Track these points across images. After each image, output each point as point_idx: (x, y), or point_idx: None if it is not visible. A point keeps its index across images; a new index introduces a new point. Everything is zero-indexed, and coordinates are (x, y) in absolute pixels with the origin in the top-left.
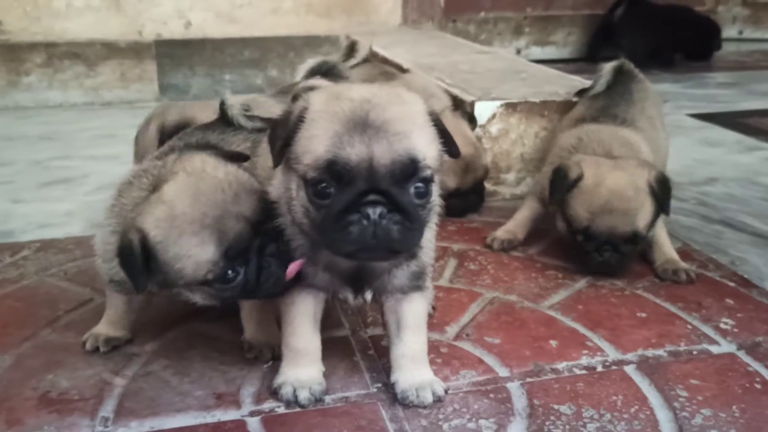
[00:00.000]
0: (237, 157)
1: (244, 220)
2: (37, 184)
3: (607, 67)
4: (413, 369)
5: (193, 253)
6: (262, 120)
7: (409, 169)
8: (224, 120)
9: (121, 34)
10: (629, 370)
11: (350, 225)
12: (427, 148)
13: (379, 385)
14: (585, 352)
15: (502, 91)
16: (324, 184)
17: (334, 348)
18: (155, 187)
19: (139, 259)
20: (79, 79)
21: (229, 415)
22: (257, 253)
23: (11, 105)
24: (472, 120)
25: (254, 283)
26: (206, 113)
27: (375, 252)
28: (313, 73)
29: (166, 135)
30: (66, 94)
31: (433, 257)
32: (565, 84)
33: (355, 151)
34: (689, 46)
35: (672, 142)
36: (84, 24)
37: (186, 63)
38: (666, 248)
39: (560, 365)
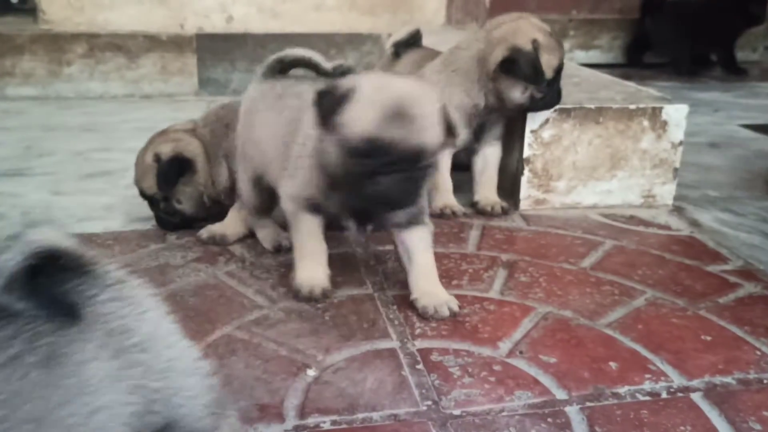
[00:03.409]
0: None
1: None
2: (77, 175)
3: None
4: (430, 288)
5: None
6: None
7: (427, 154)
8: None
9: (163, 26)
10: (696, 398)
11: (377, 184)
12: (438, 138)
13: (429, 402)
14: (648, 376)
15: None
16: (362, 150)
17: (380, 361)
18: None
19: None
20: (120, 71)
21: (272, 429)
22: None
23: (53, 95)
24: None
25: None
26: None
27: (387, 205)
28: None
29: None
30: (107, 86)
31: (426, 200)
32: (621, 90)
33: (395, 133)
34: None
35: (727, 154)
36: (126, 16)
37: (227, 58)
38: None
39: (622, 390)
